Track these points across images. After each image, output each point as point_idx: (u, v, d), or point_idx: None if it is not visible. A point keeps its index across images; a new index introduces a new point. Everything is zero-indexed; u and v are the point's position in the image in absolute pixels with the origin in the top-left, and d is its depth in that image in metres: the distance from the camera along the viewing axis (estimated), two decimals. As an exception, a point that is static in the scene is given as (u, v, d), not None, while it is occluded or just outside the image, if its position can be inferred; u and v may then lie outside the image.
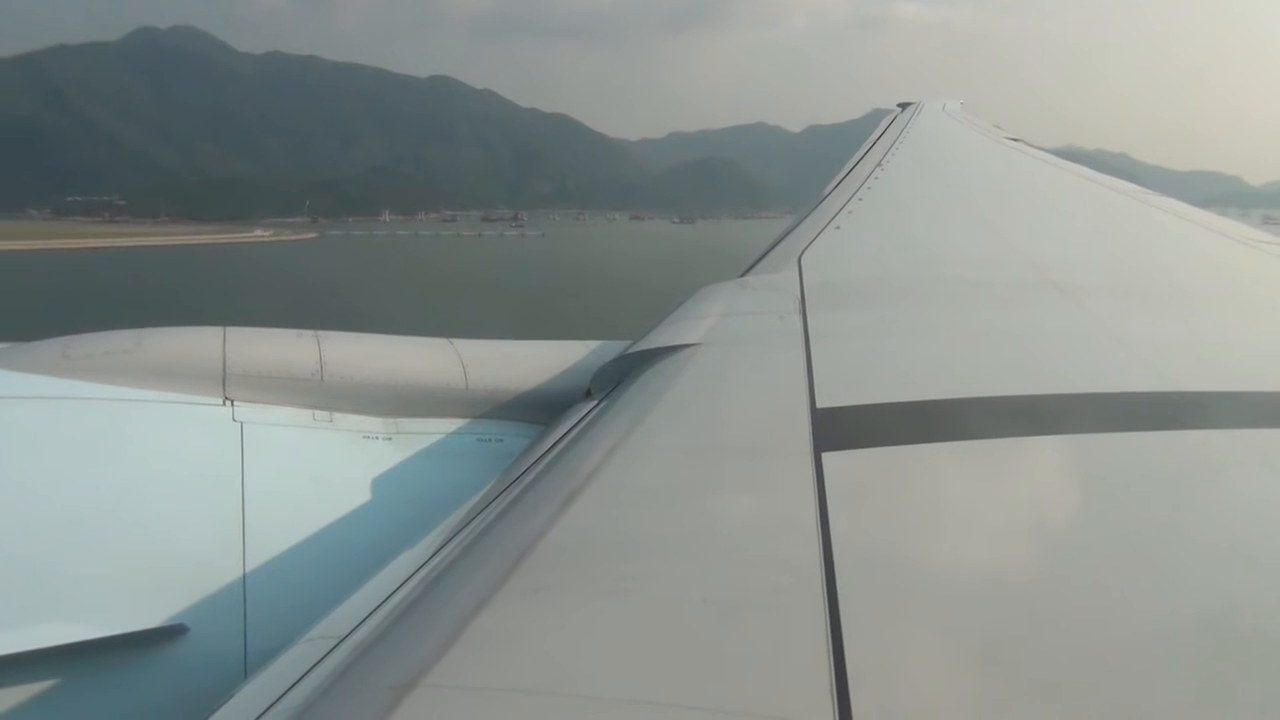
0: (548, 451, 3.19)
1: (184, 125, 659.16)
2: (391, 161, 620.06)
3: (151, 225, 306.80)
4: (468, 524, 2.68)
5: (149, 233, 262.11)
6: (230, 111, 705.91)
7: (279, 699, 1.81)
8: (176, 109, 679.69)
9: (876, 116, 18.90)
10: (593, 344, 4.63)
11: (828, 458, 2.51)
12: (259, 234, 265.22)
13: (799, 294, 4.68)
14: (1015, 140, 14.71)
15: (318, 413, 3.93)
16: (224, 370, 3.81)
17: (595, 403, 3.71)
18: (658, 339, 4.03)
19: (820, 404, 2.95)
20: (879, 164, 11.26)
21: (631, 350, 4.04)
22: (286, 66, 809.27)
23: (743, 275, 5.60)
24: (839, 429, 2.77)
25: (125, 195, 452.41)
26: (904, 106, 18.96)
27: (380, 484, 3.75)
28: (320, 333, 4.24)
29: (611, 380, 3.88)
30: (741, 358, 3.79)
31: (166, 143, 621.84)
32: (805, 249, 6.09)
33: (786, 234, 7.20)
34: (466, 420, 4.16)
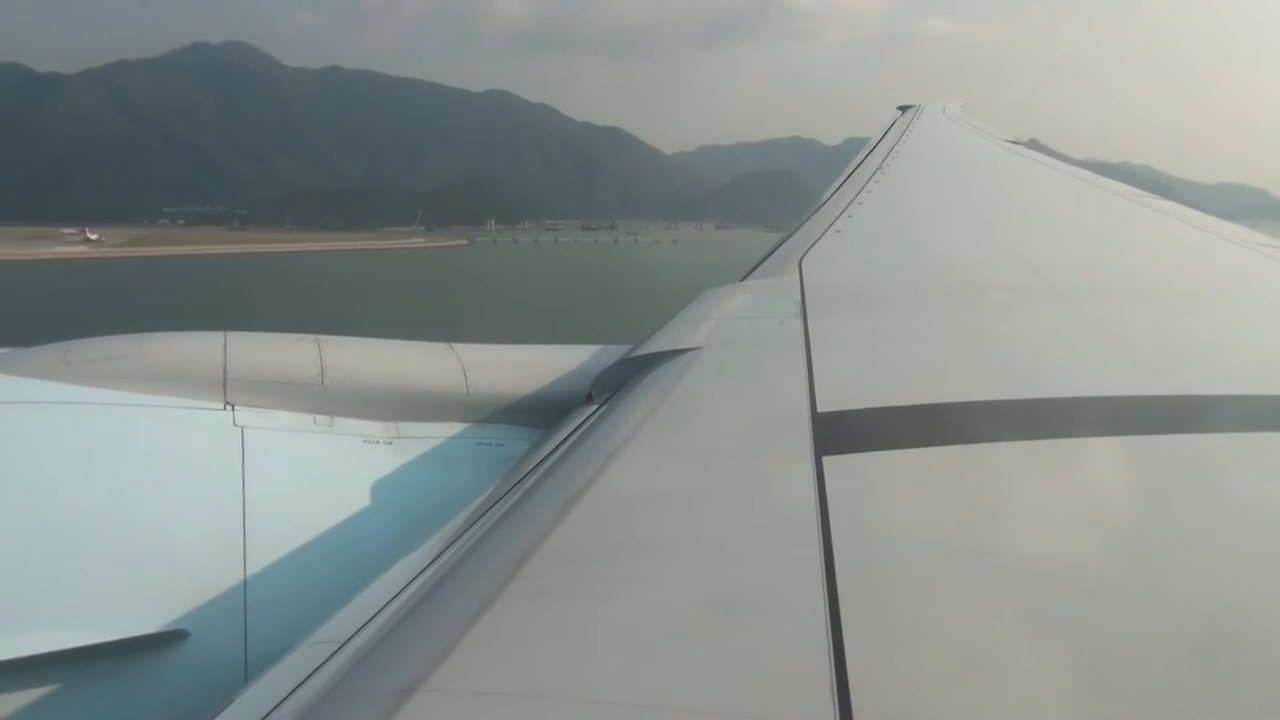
0: (548, 456, 3.19)
1: (255, 138, 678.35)
2: (465, 173, 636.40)
3: (288, 233, 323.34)
4: (468, 528, 2.68)
5: (307, 239, 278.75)
6: (298, 125, 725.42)
7: (279, 704, 1.81)
8: (246, 122, 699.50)
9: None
10: (593, 348, 4.66)
11: (828, 461, 2.50)
12: (416, 240, 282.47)
13: (799, 298, 4.68)
14: (1015, 143, 14.71)
15: (318, 417, 3.94)
16: (225, 375, 3.83)
17: (596, 407, 3.71)
18: (658, 343, 4.04)
19: (821, 408, 2.94)
20: (879, 167, 11.30)
21: (632, 354, 4.06)
22: (346, 82, 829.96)
23: (744, 279, 5.61)
24: (840, 433, 2.77)
25: (217, 205, 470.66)
26: (904, 109, 18.82)
27: (381, 488, 3.75)
28: (321, 337, 4.27)
29: (612, 384, 3.89)
30: (742, 362, 3.81)
31: (241, 155, 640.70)
32: (806, 253, 6.08)
33: (787, 238, 7.25)
34: (467, 425, 4.17)
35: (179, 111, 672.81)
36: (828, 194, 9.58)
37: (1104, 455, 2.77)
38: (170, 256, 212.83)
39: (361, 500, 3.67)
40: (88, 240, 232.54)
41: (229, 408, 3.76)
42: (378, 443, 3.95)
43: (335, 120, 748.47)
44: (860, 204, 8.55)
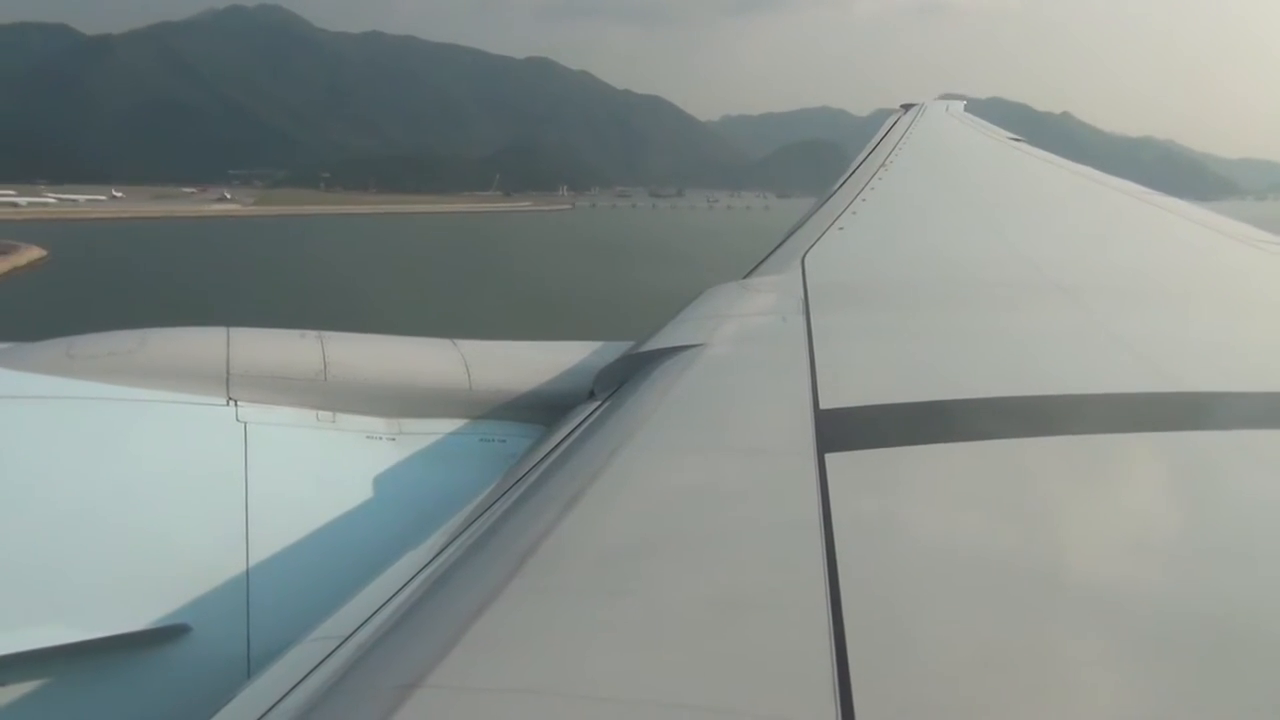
0: (551, 452, 3.20)
1: (307, 102, 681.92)
2: (516, 140, 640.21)
3: (377, 196, 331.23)
4: (471, 524, 2.68)
5: (413, 201, 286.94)
6: (348, 89, 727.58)
7: (282, 699, 1.82)
8: (297, 86, 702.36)
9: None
10: (595, 344, 4.66)
11: (831, 459, 2.50)
12: (524, 204, 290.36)
13: (802, 295, 4.68)
14: (1017, 141, 14.92)
15: (321, 413, 3.94)
16: (227, 371, 3.83)
17: (598, 403, 3.72)
18: (661, 340, 4.05)
19: (823, 405, 2.95)
20: (883, 165, 11.36)
21: (635, 351, 4.08)
22: (389, 47, 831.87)
23: (746, 276, 5.60)
24: (842, 430, 2.77)
25: (279, 168, 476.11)
26: (907, 108, 19.13)
27: (383, 484, 3.76)
28: (324, 333, 4.27)
29: (614, 381, 3.91)
30: (745, 359, 3.82)
31: (294, 118, 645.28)
32: (809, 250, 6.07)
33: (790, 234, 7.25)
34: (469, 421, 4.16)
35: (231, 76, 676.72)
36: (832, 190, 9.67)
37: (1107, 452, 2.78)
38: (313, 215, 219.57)
39: (364, 496, 3.68)
40: (223, 199, 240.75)
41: (232, 403, 3.76)
42: (380, 439, 3.97)
43: (384, 85, 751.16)
44: (864, 201, 8.59)
